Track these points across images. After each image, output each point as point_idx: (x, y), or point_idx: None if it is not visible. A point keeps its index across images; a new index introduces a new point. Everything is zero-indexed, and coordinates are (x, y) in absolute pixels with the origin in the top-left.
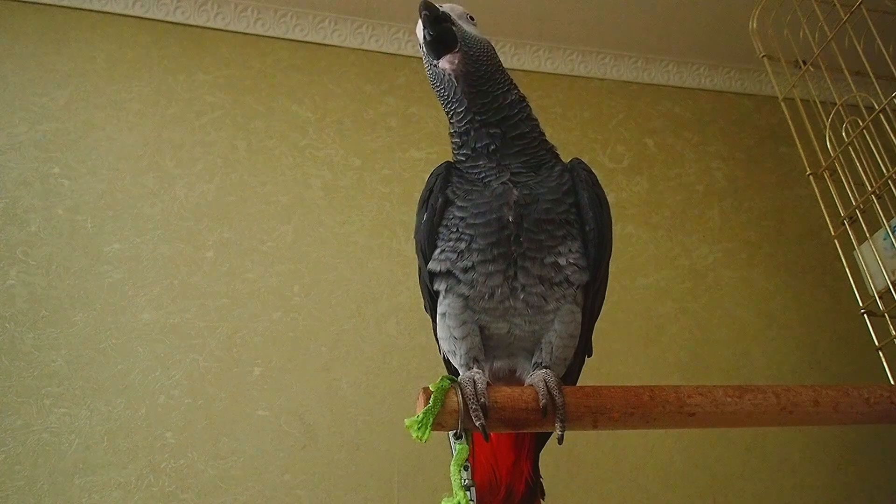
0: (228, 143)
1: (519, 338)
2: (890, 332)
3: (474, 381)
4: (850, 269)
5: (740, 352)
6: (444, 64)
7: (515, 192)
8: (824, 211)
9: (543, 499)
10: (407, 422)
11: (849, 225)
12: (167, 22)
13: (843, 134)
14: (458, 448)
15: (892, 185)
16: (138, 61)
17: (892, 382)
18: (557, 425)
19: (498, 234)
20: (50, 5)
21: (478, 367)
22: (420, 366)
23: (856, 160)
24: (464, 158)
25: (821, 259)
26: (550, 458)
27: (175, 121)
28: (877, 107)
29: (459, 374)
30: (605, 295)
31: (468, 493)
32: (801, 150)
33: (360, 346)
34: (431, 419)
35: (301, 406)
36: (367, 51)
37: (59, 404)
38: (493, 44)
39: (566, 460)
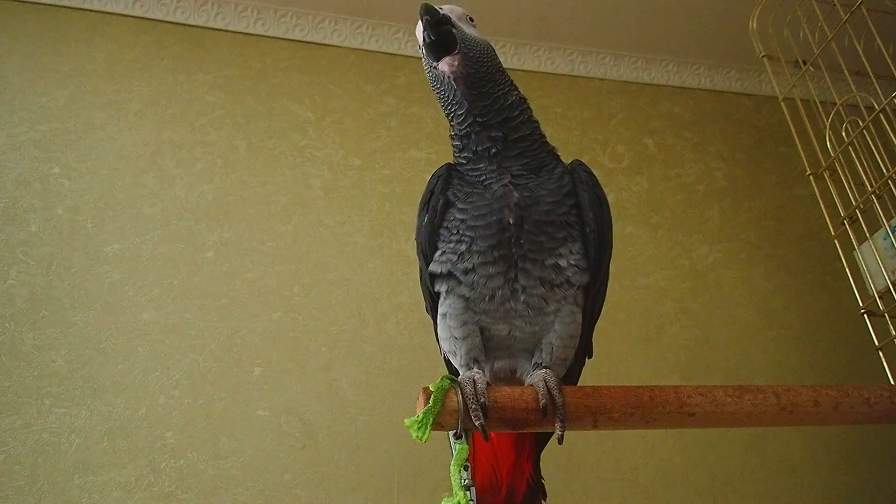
0: (228, 143)
1: (519, 339)
2: (890, 332)
3: (474, 381)
4: (850, 269)
5: (740, 352)
6: (444, 66)
7: (516, 194)
8: (824, 211)
9: (545, 500)
10: (407, 422)
11: (849, 225)
12: (167, 22)
13: (843, 134)
14: (458, 448)
15: (892, 185)
16: (138, 61)
17: (892, 382)
18: (557, 425)
19: (498, 236)
20: (50, 5)
21: (478, 368)
22: (420, 366)
23: (856, 160)
24: (465, 161)
25: (821, 259)
26: (550, 459)
27: (175, 121)
28: (877, 107)
29: (460, 375)
30: (606, 295)
31: (468, 493)
32: (801, 150)
33: (360, 346)
34: (431, 419)
35: (301, 406)
36: (367, 51)
37: (59, 404)
38: (492, 44)
39: (566, 460)
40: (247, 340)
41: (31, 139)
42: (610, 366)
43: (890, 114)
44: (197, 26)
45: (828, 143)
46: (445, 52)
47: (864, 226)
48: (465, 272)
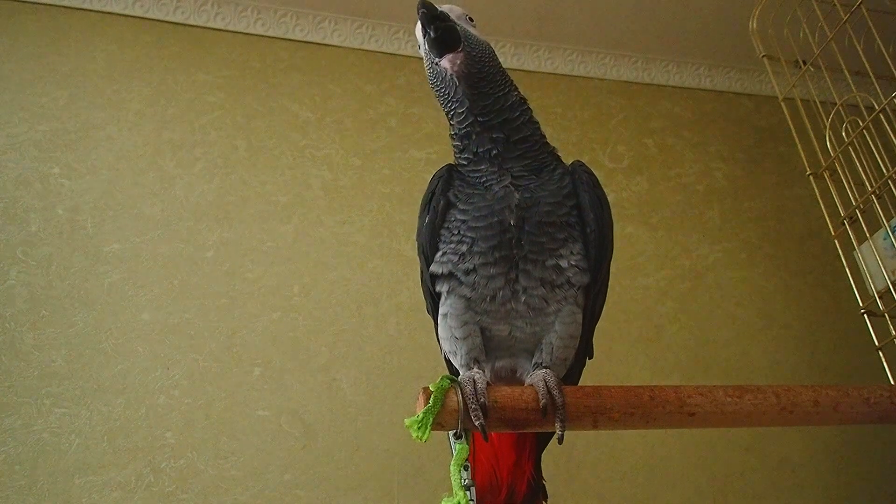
0: (228, 143)
1: (520, 339)
2: (890, 332)
3: (474, 381)
4: (850, 269)
5: (740, 352)
6: (446, 63)
7: (517, 195)
8: (824, 211)
9: (546, 500)
10: (407, 422)
11: (849, 225)
12: (167, 22)
13: (843, 134)
14: (458, 448)
15: (892, 185)
16: (138, 61)
17: (892, 382)
18: (557, 425)
19: (499, 237)
20: (50, 5)
21: (478, 368)
22: (420, 366)
23: (856, 160)
24: (465, 162)
25: (821, 259)
26: (550, 459)
27: (175, 121)
28: (877, 107)
29: (460, 375)
30: (606, 296)
31: (468, 492)
32: (801, 150)
33: (360, 346)
34: (431, 419)
35: (301, 406)
36: (367, 51)
37: (59, 404)
38: (492, 44)
39: (566, 460)
40: (247, 340)
41: (31, 139)
42: (610, 366)
43: (890, 114)
44: (197, 26)
45: (828, 143)
46: (448, 48)
47: (864, 226)
48: (466, 273)
